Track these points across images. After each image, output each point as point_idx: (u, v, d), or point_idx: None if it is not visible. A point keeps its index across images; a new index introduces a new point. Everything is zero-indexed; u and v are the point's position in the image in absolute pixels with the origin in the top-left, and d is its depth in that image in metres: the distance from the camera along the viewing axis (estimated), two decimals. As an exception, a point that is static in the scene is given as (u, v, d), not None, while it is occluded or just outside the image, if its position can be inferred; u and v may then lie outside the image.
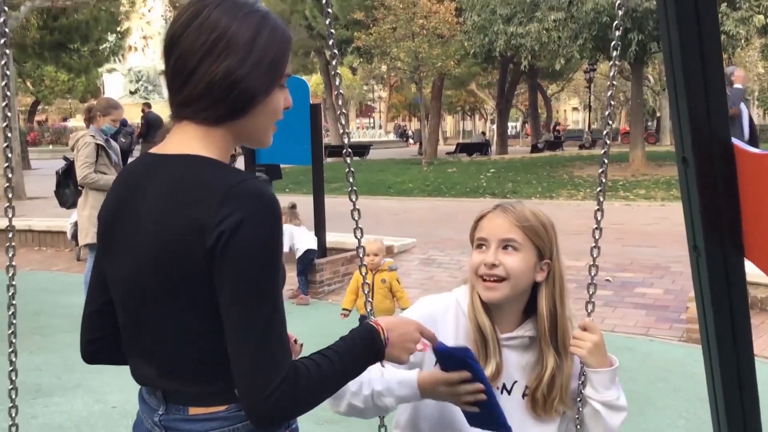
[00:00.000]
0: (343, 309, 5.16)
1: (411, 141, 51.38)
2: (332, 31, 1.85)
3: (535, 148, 34.03)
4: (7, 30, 1.44)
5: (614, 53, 1.74)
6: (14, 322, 1.62)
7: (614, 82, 1.82)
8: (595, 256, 1.80)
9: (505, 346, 1.76)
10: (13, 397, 1.69)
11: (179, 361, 1.39)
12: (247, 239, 1.29)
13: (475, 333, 1.74)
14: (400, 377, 1.66)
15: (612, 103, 1.83)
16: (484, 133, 48.11)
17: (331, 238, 8.61)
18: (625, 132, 41.68)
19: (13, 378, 1.82)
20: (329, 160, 23.57)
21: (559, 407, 1.76)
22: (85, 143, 6.10)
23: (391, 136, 58.02)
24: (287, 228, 7.46)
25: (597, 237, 1.81)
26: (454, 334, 1.76)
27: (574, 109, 74.20)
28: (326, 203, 8.60)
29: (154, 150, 1.46)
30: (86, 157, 6.01)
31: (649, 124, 44.19)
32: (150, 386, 1.45)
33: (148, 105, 19.13)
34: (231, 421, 1.39)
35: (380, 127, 66.57)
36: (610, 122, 1.85)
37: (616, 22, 1.70)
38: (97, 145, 6.08)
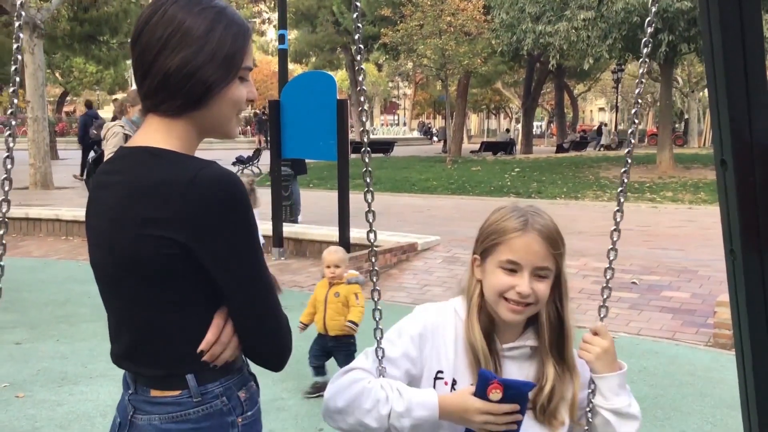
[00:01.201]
0: (300, 322, 4.67)
1: (435, 139, 51.28)
2: (359, 25, 1.83)
3: (560, 148, 33.82)
4: (24, 13, 1.48)
5: (644, 50, 1.72)
6: None
7: (643, 80, 1.76)
8: (611, 258, 1.74)
9: (507, 357, 1.70)
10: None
11: (139, 346, 1.49)
12: (218, 228, 1.38)
13: (466, 347, 1.69)
14: (420, 398, 1.61)
15: (639, 101, 1.79)
16: (508, 131, 47.87)
17: (355, 234, 8.61)
18: (652, 134, 41.32)
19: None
20: (353, 156, 23.60)
21: (562, 418, 1.68)
22: (113, 133, 6.28)
23: (415, 134, 57.97)
24: None
25: (615, 239, 1.75)
26: (454, 346, 1.71)
27: (601, 109, 73.62)
28: (351, 199, 8.60)
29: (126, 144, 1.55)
30: (114, 146, 6.15)
31: (677, 126, 43.73)
32: (119, 366, 1.56)
33: (116, 100, 20.74)
34: (183, 406, 1.46)
35: (405, 124, 66.53)
36: (636, 120, 1.79)
37: (648, 19, 1.68)
38: (126, 135, 6.17)
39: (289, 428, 4.18)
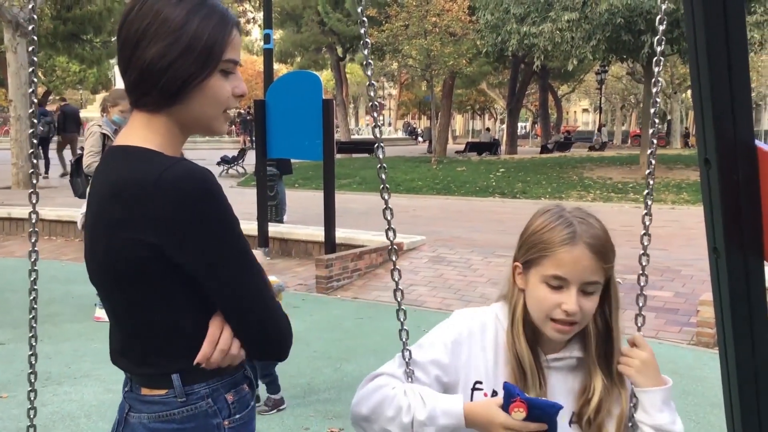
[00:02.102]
0: None
1: (420, 139, 51.31)
2: (365, 19, 1.78)
3: (544, 149, 33.96)
4: (33, 18, 1.46)
5: (658, 48, 1.60)
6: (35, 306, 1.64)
7: (659, 79, 1.65)
8: (644, 264, 1.65)
9: (551, 368, 1.61)
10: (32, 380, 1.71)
11: (129, 345, 1.47)
12: (188, 226, 1.34)
13: (513, 361, 1.58)
14: (445, 406, 1.52)
15: (658, 100, 1.69)
16: (488, 129, 47.95)
17: (341, 234, 8.61)
18: (635, 134, 41.55)
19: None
20: (339, 156, 23.58)
21: (614, 425, 1.60)
22: (90, 133, 6.30)
23: (401, 134, 57.97)
24: None
25: (645, 243, 1.64)
26: (494, 354, 1.62)
27: (585, 110, 73.98)
28: (336, 199, 8.60)
29: (114, 141, 1.54)
30: (91, 146, 6.16)
31: (660, 126, 44.00)
32: (115, 365, 1.54)
33: (63, 99, 21.50)
34: (168, 406, 1.44)
35: (390, 124, 66.53)
36: (657, 120, 1.70)
37: (659, 16, 1.59)
38: (103, 134, 6.16)
39: (275, 428, 4.17)
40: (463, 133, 69.46)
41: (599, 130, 40.47)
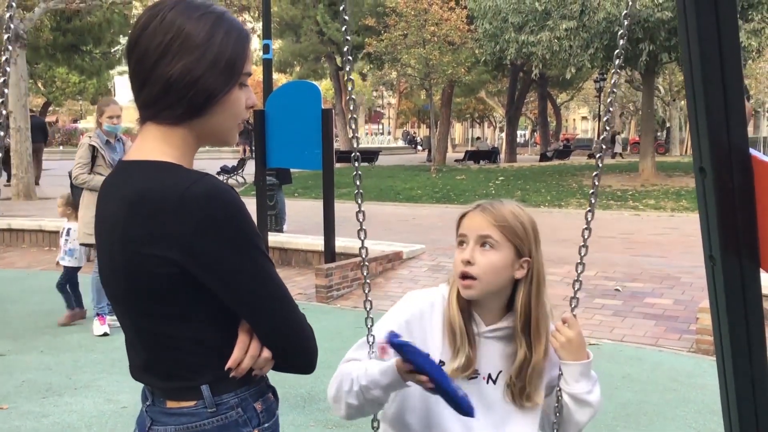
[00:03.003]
0: None
1: (420, 148, 51.38)
2: (348, 38, 1.86)
3: (544, 157, 34.00)
4: (12, 25, 1.48)
5: (616, 61, 1.84)
6: None
7: (614, 90, 1.94)
8: (582, 254, 1.90)
9: (490, 338, 1.83)
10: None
11: (153, 360, 1.46)
12: (211, 245, 1.34)
13: (446, 327, 1.83)
14: (382, 367, 1.71)
15: (611, 109, 1.92)
16: (478, 138, 47.88)
17: (340, 243, 8.61)
18: (634, 142, 41.52)
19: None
20: (338, 165, 23.58)
21: (533, 396, 1.83)
22: (80, 144, 6.43)
23: (400, 143, 58.03)
24: (68, 225, 6.70)
25: (586, 237, 1.90)
26: (441, 329, 1.85)
27: (584, 118, 74.08)
28: (335, 208, 8.60)
29: (125, 156, 1.52)
30: (80, 157, 6.26)
31: (659, 134, 44.07)
32: (137, 380, 1.52)
33: (31, 110, 21.12)
34: (198, 417, 1.44)
35: (389, 133, 66.62)
36: (608, 128, 1.91)
37: (620, 32, 1.80)
38: (92, 146, 6.22)
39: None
40: (463, 142, 69.53)
41: (613, 139, 37.04)
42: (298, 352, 1.49)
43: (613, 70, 1.85)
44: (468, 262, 1.77)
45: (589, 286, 7.30)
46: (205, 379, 1.43)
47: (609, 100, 1.92)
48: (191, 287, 1.37)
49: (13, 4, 1.50)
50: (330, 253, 8.35)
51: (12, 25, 1.48)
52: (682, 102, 42.30)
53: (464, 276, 1.77)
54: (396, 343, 1.61)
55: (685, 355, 5.88)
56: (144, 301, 1.41)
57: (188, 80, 1.38)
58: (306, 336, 1.49)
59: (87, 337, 6.18)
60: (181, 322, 1.41)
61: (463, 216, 1.86)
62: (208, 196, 1.34)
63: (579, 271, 1.91)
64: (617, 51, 1.81)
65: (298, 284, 8.45)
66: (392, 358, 1.70)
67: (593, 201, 1.89)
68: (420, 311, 1.87)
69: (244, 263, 1.38)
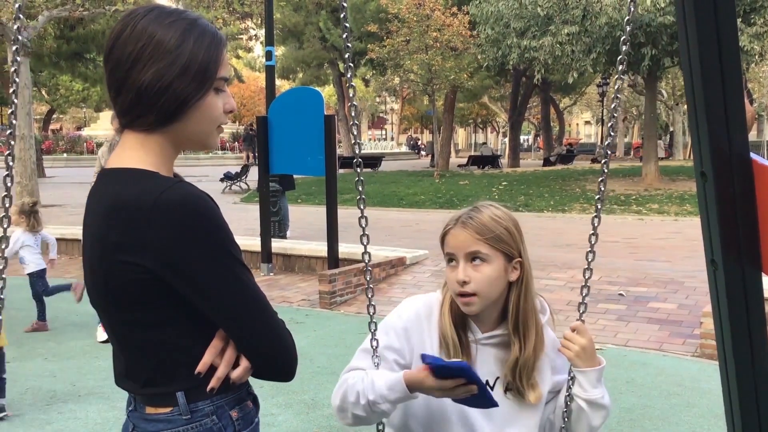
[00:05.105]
0: None
1: (423, 153, 51.38)
2: (349, 44, 1.86)
3: (547, 162, 33.98)
4: (21, 38, 1.49)
5: (620, 67, 1.79)
6: None
7: (619, 96, 1.87)
8: (590, 260, 1.85)
9: (487, 345, 1.83)
10: None
11: (132, 366, 1.48)
12: (185, 252, 1.35)
13: (440, 337, 1.82)
14: (389, 382, 1.70)
15: (615, 115, 1.90)
16: (484, 143, 47.95)
17: (344, 249, 8.62)
18: (638, 146, 41.50)
19: None
20: (341, 171, 23.62)
21: (531, 392, 1.82)
22: (97, 157, 6.53)
23: (403, 148, 58.08)
24: (17, 234, 6.58)
25: (593, 242, 1.85)
26: (438, 335, 1.85)
27: (587, 122, 74.10)
28: (339, 214, 8.61)
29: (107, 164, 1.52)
30: (97, 168, 6.31)
31: (663, 138, 44.04)
32: (119, 386, 1.54)
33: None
34: (173, 423, 1.45)
35: (392, 138, 66.66)
36: (613, 133, 1.88)
37: (623, 37, 1.77)
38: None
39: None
40: (466, 147, 69.56)
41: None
42: (275, 359, 1.47)
43: (616, 76, 1.84)
44: (464, 282, 1.75)
45: (593, 291, 7.28)
46: (180, 386, 1.44)
47: (613, 105, 1.88)
48: (166, 294, 1.38)
49: (20, 15, 1.51)
50: (333, 259, 8.36)
51: (20, 37, 1.49)
52: (685, 106, 42.25)
53: (462, 294, 1.76)
54: (438, 366, 1.62)
55: (689, 360, 5.87)
56: (121, 308, 1.42)
57: (159, 87, 1.39)
58: (284, 343, 1.47)
59: (91, 344, 6.19)
60: (157, 329, 1.41)
61: (445, 233, 1.82)
62: (181, 203, 1.35)
63: (587, 277, 1.87)
64: (620, 56, 1.77)
65: (301, 290, 8.46)
66: (399, 372, 1.72)
67: (599, 207, 1.85)
68: (417, 315, 1.86)
69: (218, 270, 1.38)
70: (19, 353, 5.90)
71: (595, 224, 1.85)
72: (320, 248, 9.03)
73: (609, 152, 2.01)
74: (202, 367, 1.43)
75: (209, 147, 1.54)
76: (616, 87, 1.86)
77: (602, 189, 1.85)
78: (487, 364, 1.83)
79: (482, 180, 22.86)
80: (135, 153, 1.43)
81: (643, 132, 26.74)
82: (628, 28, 1.66)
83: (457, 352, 1.78)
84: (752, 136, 36.25)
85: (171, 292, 1.38)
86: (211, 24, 1.48)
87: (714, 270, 1.50)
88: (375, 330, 1.85)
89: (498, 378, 1.84)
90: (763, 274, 1.48)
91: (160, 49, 1.38)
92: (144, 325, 1.42)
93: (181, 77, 1.39)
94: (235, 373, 1.45)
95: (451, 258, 1.80)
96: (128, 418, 1.54)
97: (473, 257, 1.76)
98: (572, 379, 1.83)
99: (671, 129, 43.87)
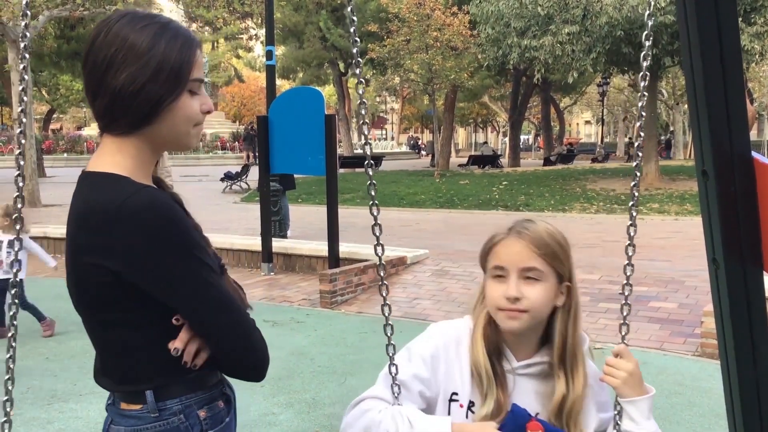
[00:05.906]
0: None
1: (423, 153, 51.38)
2: (357, 39, 1.84)
3: (547, 161, 33.98)
4: (28, 34, 1.49)
5: (644, 63, 1.64)
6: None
7: (645, 93, 1.69)
8: (628, 274, 1.65)
9: (523, 375, 1.64)
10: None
11: (106, 363, 1.53)
12: (149, 256, 1.38)
13: (472, 368, 1.63)
14: (432, 429, 1.53)
15: (643, 114, 1.78)
16: (485, 143, 47.99)
17: (344, 248, 8.63)
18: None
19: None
20: (341, 171, 23.63)
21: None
22: None
23: (404, 148, 58.08)
24: (4, 237, 6.30)
25: (630, 254, 1.64)
26: (468, 366, 1.65)
27: (587, 122, 74.09)
28: (339, 214, 8.62)
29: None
30: None
31: (662, 138, 44.01)
32: (96, 383, 1.58)
33: None
34: (143, 420, 1.49)
35: (392, 138, 66.66)
36: (642, 134, 1.78)
37: (645, 32, 1.61)
38: None
39: None
40: (466, 146, 69.57)
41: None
42: (244, 358, 1.50)
43: (642, 72, 1.64)
44: (516, 299, 1.57)
45: (594, 290, 7.29)
46: (150, 385, 1.48)
47: (641, 104, 1.69)
48: (134, 295, 1.41)
49: (27, 13, 1.52)
50: (334, 259, 8.37)
51: (28, 33, 1.50)
52: (686, 106, 42.28)
53: (511, 309, 1.58)
54: (550, 427, 1.54)
55: (690, 359, 5.87)
56: (92, 309, 1.47)
57: (132, 90, 1.41)
58: (253, 343, 1.50)
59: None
60: (127, 328, 1.45)
61: (494, 243, 1.64)
62: (144, 208, 1.37)
63: (626, 293, 1.65)
64: (644, 52, 1.61)
65: (302, 290, 8.46)
66: (445, 416, 1.58)
67: (634, 214, 1.64)
68: (444, 344, 1.67)
69: (182, 273, 1.41)
70: (20, 353, 5.87)
71: (632, 234, 1.63)
72: (321, 248, 9.03)
73: (640, 153, 1.79)
74: (179, 342, 1.45)
75: (187, 147, 1.56)
76: (642, 84, 1.66)
77: (635, 195, 1.66)
78: (525, 398, 1.62)
79: (483, 179, 22.86)
80: (111, 157, 1.47)
81: (643, 132, 26.69)
82: (650, 23, 1.60)
83: (491, 385, 1.59)
84: (753, 135, 36.22)
85: (139, 293, 1.41)
86: (184, 27, 1.51)
87: (715, 269, 1.50)
88: (392, 334, 1.64)
89: (537, 414, 1.62)
90: (764, 272, 1.48)
91: (133, 52, 1.41)
92: (114, 325, 1.46)
93: (153, 80, 1.41)
94: (200, 358, 1.48)
95: (499, 274, 1.61)
96: (107, 411, 1.58)
97: (527, 275, 1.59)
98: (619, 413, 1.61)
99: (672, 128, 43.86)
